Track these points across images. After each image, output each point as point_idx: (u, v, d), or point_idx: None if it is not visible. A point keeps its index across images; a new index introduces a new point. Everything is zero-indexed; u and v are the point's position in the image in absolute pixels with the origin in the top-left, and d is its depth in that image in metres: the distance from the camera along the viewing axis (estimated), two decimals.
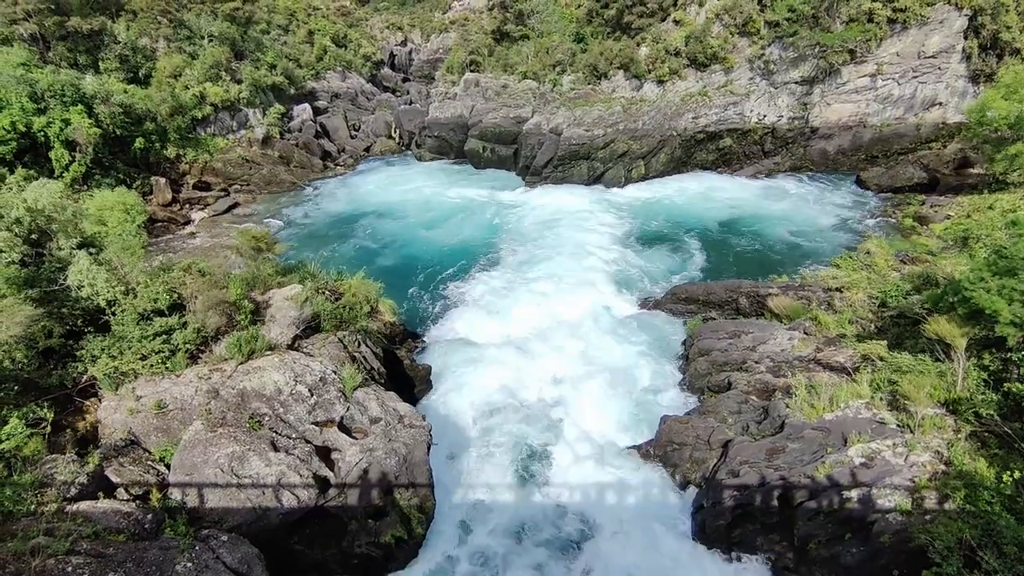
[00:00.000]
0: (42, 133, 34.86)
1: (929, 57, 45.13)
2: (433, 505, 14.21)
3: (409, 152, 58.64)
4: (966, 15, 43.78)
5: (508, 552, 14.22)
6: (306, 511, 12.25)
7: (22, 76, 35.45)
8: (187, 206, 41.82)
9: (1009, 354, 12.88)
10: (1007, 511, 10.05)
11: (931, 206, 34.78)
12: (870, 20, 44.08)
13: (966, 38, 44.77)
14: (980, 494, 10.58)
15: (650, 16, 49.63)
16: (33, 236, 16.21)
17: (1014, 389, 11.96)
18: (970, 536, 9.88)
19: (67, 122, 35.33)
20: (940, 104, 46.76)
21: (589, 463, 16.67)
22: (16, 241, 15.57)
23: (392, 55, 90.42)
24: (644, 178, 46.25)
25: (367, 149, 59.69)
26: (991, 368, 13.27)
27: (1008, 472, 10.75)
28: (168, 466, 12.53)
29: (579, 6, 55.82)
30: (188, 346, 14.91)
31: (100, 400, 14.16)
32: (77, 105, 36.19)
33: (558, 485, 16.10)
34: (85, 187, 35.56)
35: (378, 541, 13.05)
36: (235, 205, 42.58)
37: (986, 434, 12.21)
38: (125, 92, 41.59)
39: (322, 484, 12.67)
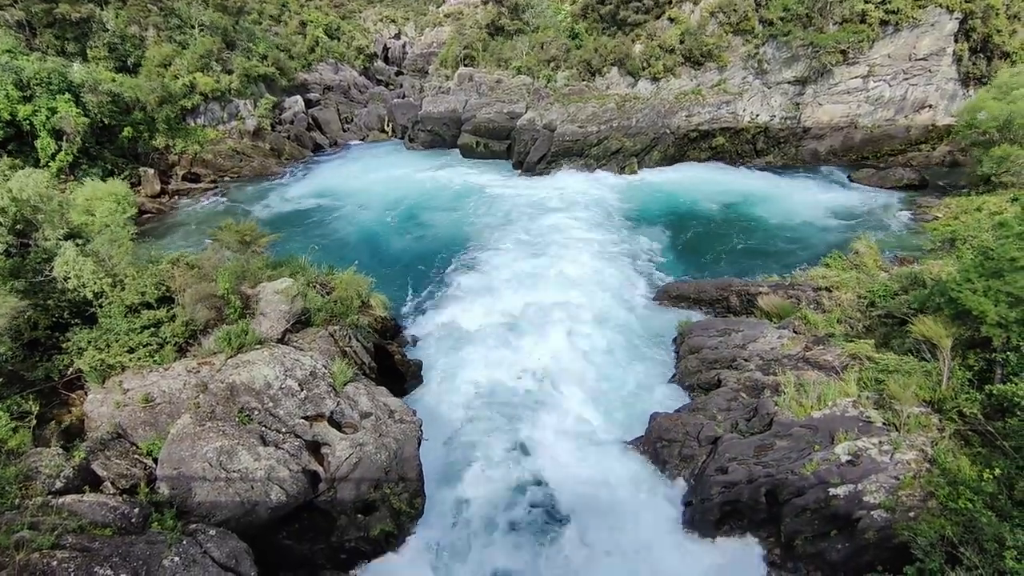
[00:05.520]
0: (27, 122, 34.29)
1: (920, 59, 45.54)
2: (423, 500, 14.22)
3: (395, 138, 58.77)
4: (957, 18, 44.19)
5: (499, 546, 14.26)
6: (295, 506, 12.22)
7: (7, 63, 34.82)
8: (176, 197, 41.39)
9: (993, 354, 13.07)
10: (988, 508, 10.22)
11: (920, 207, 35.16)
12: (862, 21, 44.37)
13: (956, 41, 45.21)
14: (962, 492, 10.75)
15: (645, 12, 49.65)
16: (18, 226, 15.97)
17: (996, 391, 12.14)
18: (952, 533, 10.04)
19: (54, 111, 34.78)
20: (930, 106, 47.23)
21: (579, 458, 16.73)
22: (0, 231, 15.33)
23: (385, 48, 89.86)
24: (635, 173, 46.38)
25: (362, 140, 59.59)
26: (975, 368, 13.46)
27: (990, 470, 10.94)
28: (156, 460, 12.43)
29: (574, 2, 55.70)
30: (176, 339, 14.78)
31: (86, 393, 14.02)
32: (64, 93, 35.63)
33: (548, 479, 16.15)
34: (72, 177, 35.07)
35: (368, 536, 13.05)
36: (224, 195, 42.21)
37: (970, 433, 12.39)
38: (114, 81, 40.99)
39: (312, 479, 12.64)
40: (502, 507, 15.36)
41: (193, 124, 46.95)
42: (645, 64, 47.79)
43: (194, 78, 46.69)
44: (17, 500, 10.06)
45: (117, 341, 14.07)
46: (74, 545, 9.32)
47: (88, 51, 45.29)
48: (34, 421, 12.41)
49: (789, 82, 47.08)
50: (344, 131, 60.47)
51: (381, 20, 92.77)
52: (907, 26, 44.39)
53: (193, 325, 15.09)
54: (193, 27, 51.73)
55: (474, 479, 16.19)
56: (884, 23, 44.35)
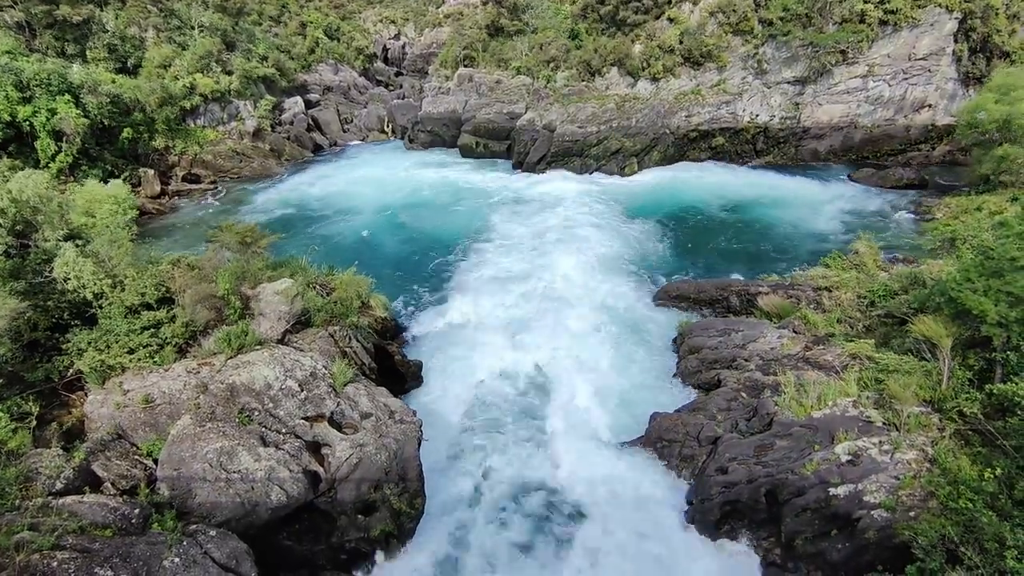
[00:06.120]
0: (27, 123, 34.30)
1: (919, 59, 45.56)
2: (423, 500, 14.21)
3: (395, 138, 58.85)
4: (956, 18, 44.20)
5: (499, 546, 14.26)
6: (296, 506, 12.21)
7: (7, 64, 34.84)
8: (176, 198, 41.40)
9: (993, 354, 13.06)
10: (989, 508, 10.22)
11: (920, 207, 35.17)
12: (862, 21, 44.39)
13: (956, 41, 45.22)
14: (963, 491, 10.75)
15: (645, 13, 49.65)
16: (18, 227, 15.99)
17: (996, 390, 12.14)
18: (952, 532, 10.04)
19: (53, 112, 34.79)
20: (930, 106, 47.23)
21: (578, 457, 16.73)
22: (0, 232, 15.35)
23: (385, 49, 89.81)
24: (634, 173, 46.44)
25: (362, 140, 59.66)
26: (975, 367, 13.46)
27: (990, 470, 10.93)
28: (156, 461, 12.43)
29: (574, 2, 55.74)
30: (176, 340, 14.78)
31: (86, 394, 14.01)
32: (64, 95, 35.64)
33: (547, 479, 16.14)
34: (72, 178, 35.08)
35: (368, 536, 13.05)
36: (223, 196, 42.23)
37: (970, 432, 12.39)
38: (113, 82, 41.01)
39: (312, 479, 12.64)
40: (502, 507, 15.36)
41: (193, 125, 46.96)
42: (645, 64, 47.79)
43: (194, 79, 46.70)
44: (17, 501, 10.07)
45: (117, 342, 14.07)
46: (74, 546, 9.32)
47: (88, 52, 45.32)
48: (34, 422, 12.41)
49: (789, 82, 47.10)
50: (344, 132, 60.52)
51: (381, 21, 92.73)
52: (906, 26, 44.41)
53: (193, 326, 15.08)
54: (193, 28, 51.76)
55: (474, 479, 16.19)
56: (883, 23, 44.37)
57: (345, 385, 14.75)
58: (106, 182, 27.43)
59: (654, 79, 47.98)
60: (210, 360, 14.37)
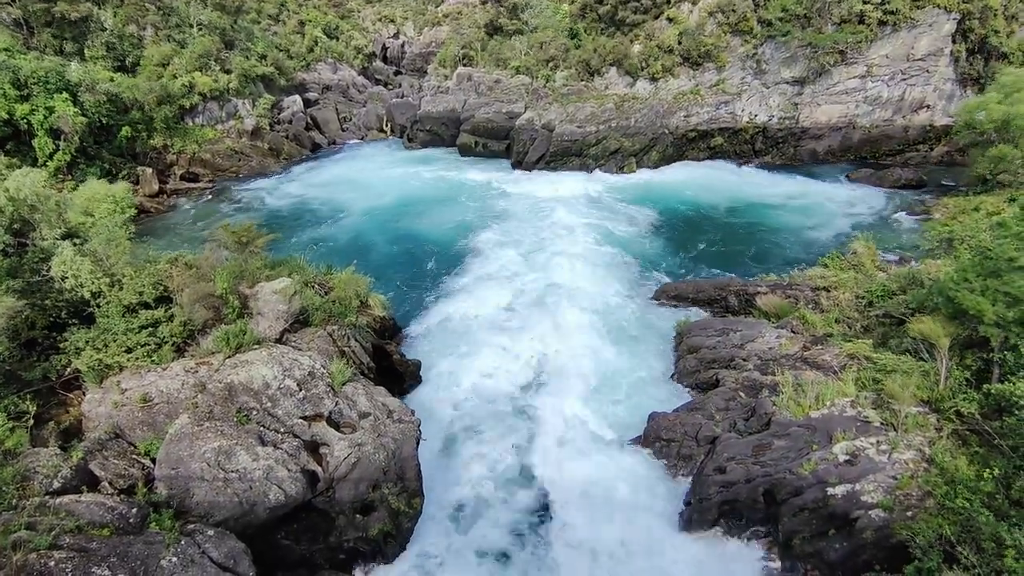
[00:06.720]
0: (25, 121, 34.19)
1: (918, 60, 45.63)
2: (421, 500, 14.21)
3: (394, 137, 58.76)
4: (954, 18, 44.28)
5: (497, 546, 14.27)
6: (294, 506, 12.21)
7: (4, 62, 34.70)
8: (174, 197, 41.29)
9: (991, 354, 13.09)
10: (986, 508, 10.25)
11: (918, 207, 35.23)
12: (861, 22, 44.45)
13: (954, 42, 45.30)
14: (960, 491, 10.78)
15: (644, 13, 49.67)
16: (15, 225, 15.94)
17: (993, 390, 12.17)
18: (950, 532, 10.08)
19: (51, 110, 34.68)
20: (928, 107, 47.32)
21: (577, 457, 16.75)
22: None
23: (384, 48, 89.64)
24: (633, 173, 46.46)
25: (361, 139, 59.60)
26: (973, 368, 13.50)
27: (988, 470, 10.96)
28: (154, 460, 12.40)
29: (573, 1, 55.73)
30: (174, 339, 14.75)
31: (84, 393, 13.98)
32: (62, 93, 35.53)
33: (546, 478, 16.15)
34: (70, 176, 34.99)
35: (366, 536, 13.04)
36: (222, 195, 42.15)
37: (967, 432, 12.43)
38: (112, 80, 40.88)
39: (310, 479, 12.63)
40: (501, 506, 15.37)
41: (191, 124, 46.86)
42: (644, 64, 47.80)
43: (192, 78, 46.57)
44: (14, 500, 10.04)
45: (115, 341, 14.04)
46: (72, 545, 9.30)
47: (86, 50, 45.15)
48: (31, 421, 12.38)
49: (787, 82, 47.14)
50: (343, 130, 60.44)
51: (380, 19, 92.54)
52: (905, 26, 44.48)
53: (191, 325, 15.05)
54: (191, 26, 51.64)
55: (473, 478, 16.19)
56: (882, 23, 44.44)
57: (343, 384, 14.73)
58: (110, 181, 27.36)
59: (653, 79, 48.00)
60: (208, 359, 14.35)
